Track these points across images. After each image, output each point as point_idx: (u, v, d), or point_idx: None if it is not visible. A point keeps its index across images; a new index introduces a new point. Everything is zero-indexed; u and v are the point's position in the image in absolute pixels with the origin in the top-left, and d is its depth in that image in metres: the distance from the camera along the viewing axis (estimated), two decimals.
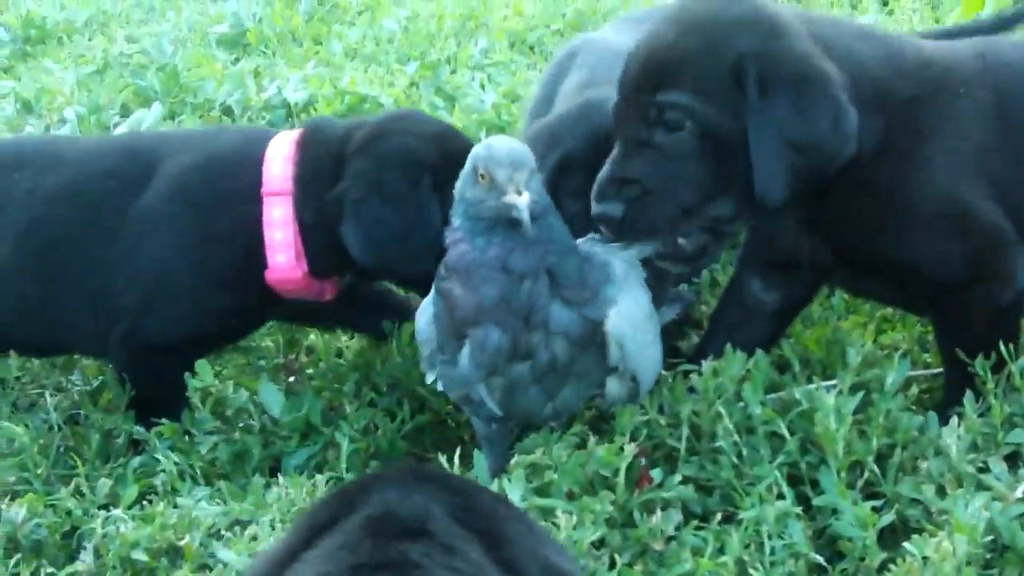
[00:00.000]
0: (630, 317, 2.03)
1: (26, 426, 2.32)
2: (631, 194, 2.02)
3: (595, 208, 2.04)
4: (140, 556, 1.93)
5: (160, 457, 2.23)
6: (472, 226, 1.97)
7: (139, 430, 2.31)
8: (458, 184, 1.99)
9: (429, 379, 2.11)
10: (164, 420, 2.29)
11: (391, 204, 2.26)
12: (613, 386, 2.08)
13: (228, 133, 2.63)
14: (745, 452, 2.07)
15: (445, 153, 2.27)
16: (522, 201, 1.89)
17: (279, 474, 2.21)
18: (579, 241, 2.08)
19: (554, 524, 1.90)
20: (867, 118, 2.02)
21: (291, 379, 2.45)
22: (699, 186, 2.02)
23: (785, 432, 2.09)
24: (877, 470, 2.07)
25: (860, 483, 2.06)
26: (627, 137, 2.04)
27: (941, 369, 2.33)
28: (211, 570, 1.92)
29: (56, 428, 2.35)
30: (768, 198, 1.99)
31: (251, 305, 2.38)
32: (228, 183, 2.36)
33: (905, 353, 2.41)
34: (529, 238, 1.93)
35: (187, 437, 2.28)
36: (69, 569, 1.94)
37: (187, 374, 2.27)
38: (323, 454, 2.28)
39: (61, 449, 2.37)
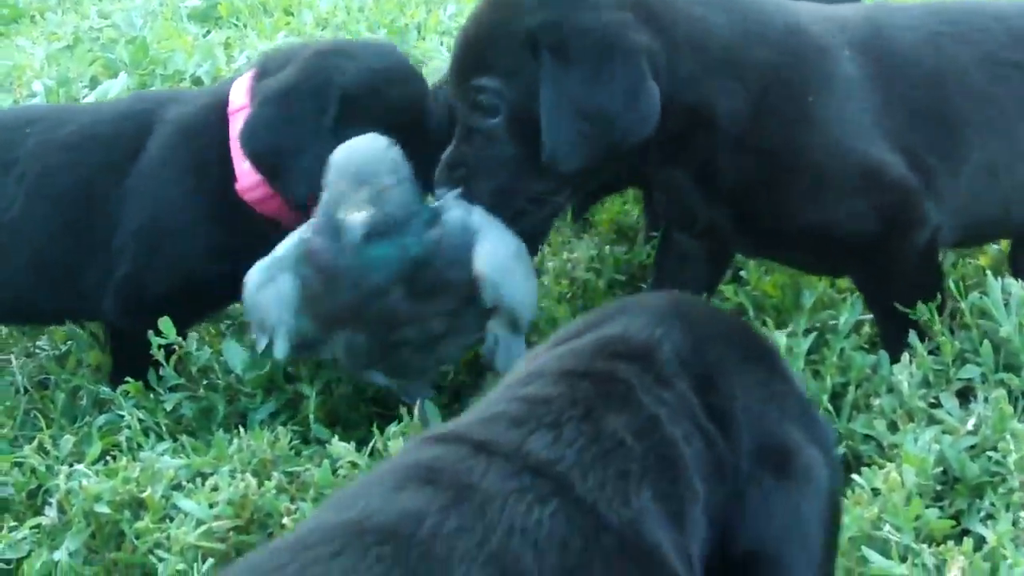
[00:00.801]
0: (496, 257, 2.01)
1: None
2: (459, 176, 2.06)
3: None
4: (103, 509, 1.95)
5: (125, 414, 2.25)
6: (325, 222, 1.97)
7: (104, 389, 2.34)
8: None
9: (280, 353, 2.09)
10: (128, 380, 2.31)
11: (286, 116, 2.26)
12: (496, 327, 2.07)
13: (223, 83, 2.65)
14: None
15: (375, 93, 2.28)
16: (354, 220, 1.90)
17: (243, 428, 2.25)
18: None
19: None
20: (722, 88, 2.02)
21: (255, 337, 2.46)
22: (518, 165, 2.03)
23: None
24: (831, 408, 2.10)
25: None
26: (460, 121, 2.07)
27: None
28: (172, 520, 1.95)
29: (23, 391, 2.36)
30: (558, 163, 1.97)
31: (240, 244, 2.32)
32: (205, 115, 2.40)
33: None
34: (369, 258, 1.93)
35: (152, 395, 2.30)
36: (32, 522, 1.96)
37: (150, 332, 2.27)
38: (288, 410, 2.30)
39: (29, 412, 2.39)
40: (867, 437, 2.05)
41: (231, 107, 2.35)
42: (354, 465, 1.97)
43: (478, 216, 2.02)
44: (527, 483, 1.26)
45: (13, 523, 2.00)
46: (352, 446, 1.99)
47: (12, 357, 2.40)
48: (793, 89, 2.06)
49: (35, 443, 2.14)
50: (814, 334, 2.17)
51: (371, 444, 2.03)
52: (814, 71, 2.08)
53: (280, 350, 2.06)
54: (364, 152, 1.95)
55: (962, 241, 2.32)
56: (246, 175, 2.31)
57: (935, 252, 2.20)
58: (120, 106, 2.57)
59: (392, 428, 2.02)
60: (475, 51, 2.03)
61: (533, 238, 2.21)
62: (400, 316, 1.97)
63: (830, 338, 2.17)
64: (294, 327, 2.03)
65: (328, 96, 2.25)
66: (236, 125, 2.32)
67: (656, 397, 1.38)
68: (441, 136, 2.21)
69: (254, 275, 2.06)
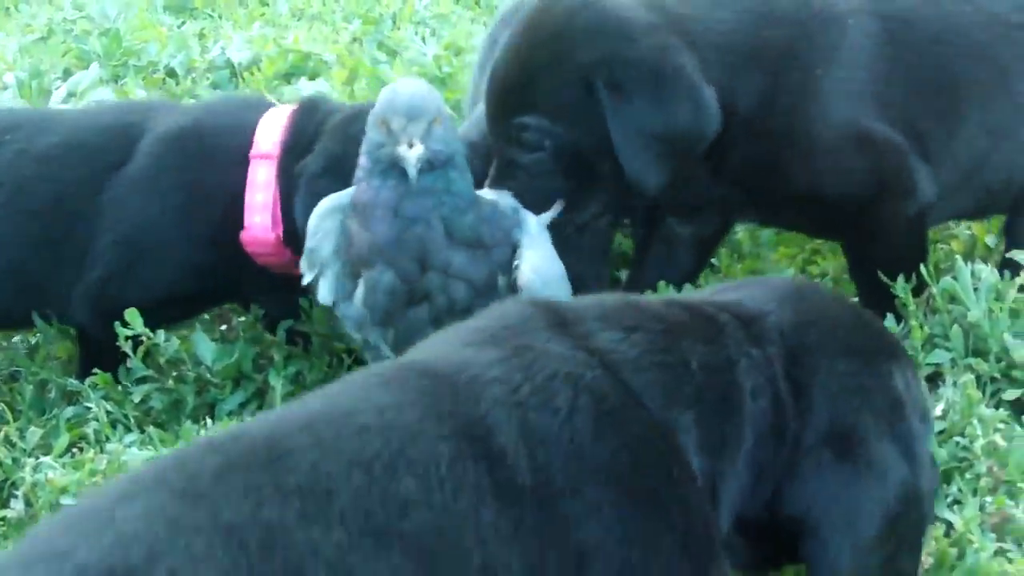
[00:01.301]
0: (544, 274, 2.03)
1: None
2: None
3: None
4: (69, 502, 1.93)
5: (92, 406, 2.24)
6: (372, 167, 2.00)
7: (72, 381, 2.32)
8: (367, 122, 2.02)
9: (323, 297, 2.10)
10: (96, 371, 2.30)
11: (342, 183, 2.18)
12: None
13: (228, 99, 2.62)
14: None
15: None
16: (412, 154, 1.93)
17: (211, 420, 2.24)
18: (491, 192, 2.10)
19: None
20: (742, 79, 2.09)
21: (223, 328, 2.45)
22: (563, 196, 2.10)
23: None
24: None
25: None
26: (498, 156, 2.12)
27: None
28: None
29: None
30: (644, 186, 2.07)
31: (225, 269, 2.35)
32: (218, 143, 2.36)
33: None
34: (417, 188, 1.95)
35: (120, 388, 2.29)
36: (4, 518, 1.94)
37: (117, 324, 2.25)
38: (256, 400, 2.29)
39: None
40: None
41: (255, 150, 2.33)
42: None
43: (533, 221, 2.06)
44: (578, 357, 1.39)
45: None
46: None
47: None
48: (802, 63, 2.11)
49: (1, 435, 2.12)
50: None
51: None
52: (820, 43, 2.12)
53: (324, 292, 2.08)
54: (412, 91, 1.99)
55: (965, 211, 2.37)
56: (257, 229, 2.30)
57: (923, 225, 2.23)
58: (105, 117, 2.52)
59: None
60: (518, 90, 2.09)
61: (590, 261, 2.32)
62: (432, 255, 1.98)
63: None
64: (339, 271, 2.06)
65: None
66: (256, 171, 2.31)
67: (741, 348, 1.49)
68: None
69: (320, 208, 2.09)
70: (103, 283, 2.35)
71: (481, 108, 2.27)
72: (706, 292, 1.66)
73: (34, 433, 2.15)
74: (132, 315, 2.24)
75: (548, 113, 2.06)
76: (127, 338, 2.25)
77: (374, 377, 1.41)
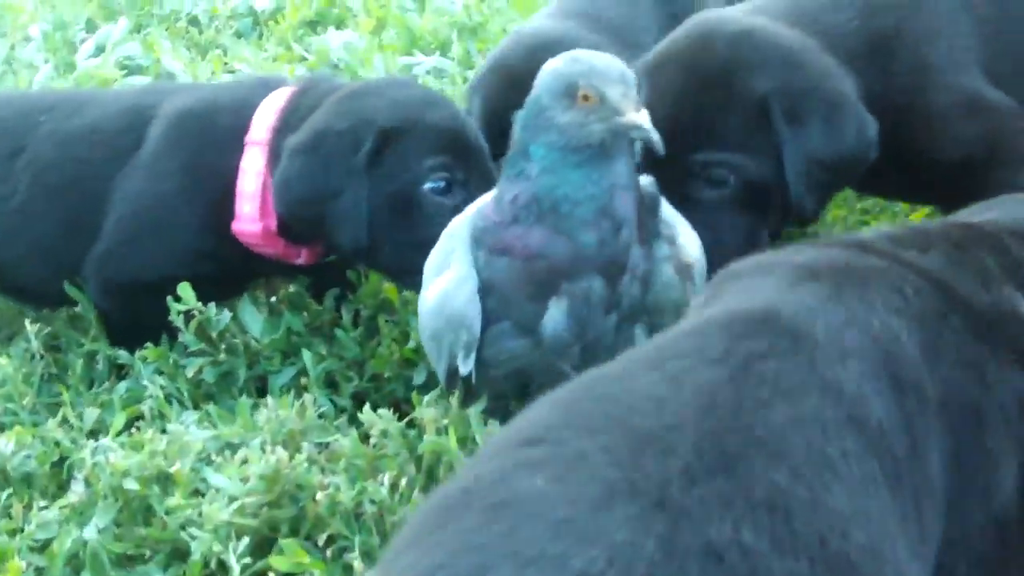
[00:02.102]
0: (700, 248, 1.89)
1: (8, 356, 2.31)
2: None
3: None
4: (132, 485, 1.91)
5: (146, 382, 2.22)
6: (562, 158, 1.70)
7: (122, 354, 2.30)
8: (530, 112, 1.74)
9: (464, 370, 1.82)
10: (148, 344, 2.28)
11: (318, 162, 2.16)
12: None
13: (240, 81, 2.56)
14: None
15: (409, 122, 2.18)
16: (645, 119, 1.68)
17: (267, 395, 2.22)
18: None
19: None
20: (868, 76, 2.08)
21: (272, 299, 2.42)
22: (742, 231, 2.07)
23: None
24: None
25: None
26: (672, 192, 1.98)
27: None
28: (203, 495, 1.92)
29: (39, 357, 2.32)
30: (807, 212, 2.08)
31: (223, 255, 2.31)
32: (218, 126, 2.32)
33: None
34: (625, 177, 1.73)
35: (171, 360, 2.26)
36: (62, 502, 1.92)
37: (169, 298, 2.23)
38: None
39: (45, 377, 2.35)
40: None
41: (248, 135, 2.27)
42: (385, 434, 1.93)
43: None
44: (899, 272, 1.37)
45: (42, 502, 1.96)
46: (387, 413, 1.94)
47: (27, 321, 2.34)
48: (911, 44, 2.10)
49: (58, 416, 2.09)
50: None
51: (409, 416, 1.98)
52: (926, 21, 2.11)
53: (469, 366, 1.83)
54: (605, 56, 1.73)
55: None
56: (247, 219, 2.25)
57: None
58: (127, 99, 2.50)
59: (427, 397, 1.97)
60: (695, 127, 2.03)
61: None
62: (627, 254, 1.76)
63: None
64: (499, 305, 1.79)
65: (362, 133, 2.16)
66: (249, 157, 2.25)
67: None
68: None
69: (431, 289, 1.85)
70: (104, 258, 2.35)
71: None
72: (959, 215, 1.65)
73: (91, 413, 2.12)
74: (184, 289, 2.22)
75: (734, 147, 2.03)
76: (179, 312, 2.22)
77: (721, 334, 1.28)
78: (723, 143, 2.03)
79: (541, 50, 2.32)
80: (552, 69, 1.73)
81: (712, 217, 2.03)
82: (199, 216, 2.31)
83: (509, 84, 2.31)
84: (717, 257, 1.89)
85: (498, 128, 2.12)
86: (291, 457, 1.89)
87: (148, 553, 1.90)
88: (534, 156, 1.73)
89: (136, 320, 2.37)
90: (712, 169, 2.03)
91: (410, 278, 2.21)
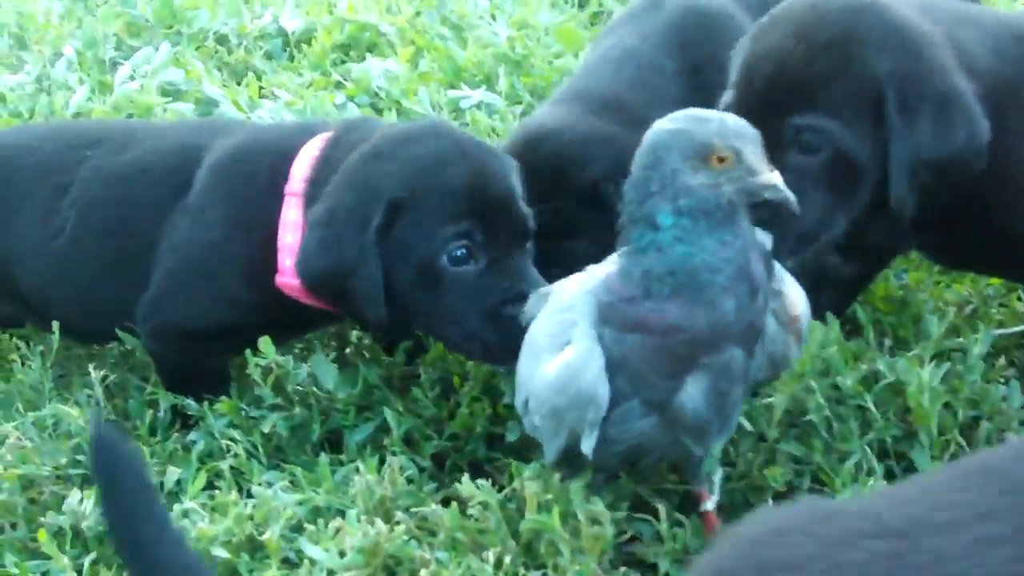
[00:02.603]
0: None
1: (77, 405, 2.24)
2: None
3: None
4: (220, 552, 1.84)
5: (216, 434, 2.15)
6: (693, 224, 1.63)
7: (191, 404, 2.22)
8: (651, 177, 1.65)
9: (587, 448, 1.72)
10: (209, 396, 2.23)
11: (333, 236, 2.08)
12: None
13: (282, 124, 2.44)
14: (836, 427, 2.02)
15: (420, 190, 2.08)
16: (779, 179, 1.64)
17: (342, 451, 2.16)
18: None
19: (660, 519, 1.85)
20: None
21: (346, 351, 2.35)
22: (826, 204, 1.95)
23: (871, 406, 2.04)
24: (964, 442, 2.03)
25: (947, 456, 2.02)
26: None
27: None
28: (295, 565, 1.85)
29: (101, 404, 2.24)
30: (903, 213, 1.95)
31: (273, 305, 2.22)
32: (260, 174, 2.23)
33: (974, 310, 2.36)
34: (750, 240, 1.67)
35: (243, 413, 2.19)
36: None
37: (249, 351, 2.17)
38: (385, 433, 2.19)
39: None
40: None
41: (288, 185, 2.19)
42: (484, 505, 1.87)
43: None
44: None
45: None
46: (487, 484, 1.88)
47: (91, 367, 2.26)
48: (1021, 101, 2.01)
49: None
50: (944, 364, 2.09)
51: (509, 487, 1.92)
52: None
53: (592, 444, 1.73)
54: (727, 114, 1.70)
55: None
56: (290, 273, 2.16)
57: None
58: (174, 138, 2.40)
59: (528, 470, 1.91)
60: (800, 89, 1.92)
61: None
62: (763, 317, 1.71)
63: (960, 368, 2.09)
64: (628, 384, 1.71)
65: (371, 208, 2.06)
66: (287, 209, 2.17)
67: None
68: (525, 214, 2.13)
69: (551, 364, 1.75)
70: (154, 304, 2.27)
71: None
72: None
73: (172, 472, 2.04)
74: (266, 344, 2.15)
75: (834, 115, 1.91)
76: (256, 365, 2.15)
77: None
78: (825, 109, 1.91)
79: (536, 141, 2.33)
80: (674, 130, 1.65)
81: (796, 184, 1.84)
82: (244, 267, 2.23)
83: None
84: (791, 229, 1.90)
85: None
86: (390, 529, 1.82)
87: None
88: (663, 224, 1.64)
89: (189, 367, 2.31)
90: (807, 133, 1.92)
91: (450, 347, 2.20)
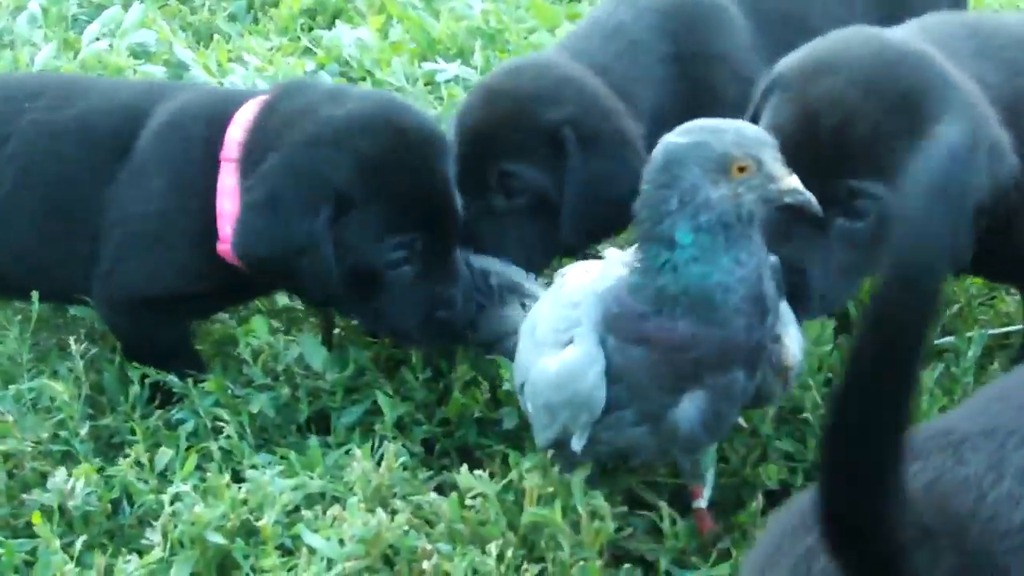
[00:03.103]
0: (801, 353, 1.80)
1: (56, 377, 2.18)
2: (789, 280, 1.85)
3: None
4: (215, 538, 1.81)
5: (202, 413, 2.12)
6: (712, 241, 1.59)
7: (174, 381, 2.17)
8: (669, 194, 1.60)
9: (577, 446, 1.75)
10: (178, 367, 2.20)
11: (277, 223, 2.05)
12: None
13: (220, 89, 2.37)
14: None
15: (370, 191, 2.05)
16: (798, 182, 1.60)
17: (329, 433, 2.14)
18: None
19: (660, 516, 1.84)
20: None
21: (336, 331, 2.32)
22: (859, 270, 1.93)
23: None
24: None
25: None
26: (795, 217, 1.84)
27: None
28: (290, 553, 1.83)
29: (84, 380, 2.19)
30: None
31: (222, 272, 2.18)
32: (197, 140, 2.18)
33: (960, 310, 2.38)
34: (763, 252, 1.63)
35: (230, 392, 2.16)
36: (148, 559, 1.80)
37: (241, 330, 2.13)
38: (377, 416, 2.16)
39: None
40: None
41: (224, 151, 2.14)
42: (483, 497, 1.85)
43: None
44: None
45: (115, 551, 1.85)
46: (484, 476, 1.86)
47: (72, 340, 2.21)
48: None
49: (132, 457, 1.97)
50: (938, 365, 2.10)
51: (507, 477, 1.90)
52: None
53: (582, 443, 1.75)
54: (745, 123, 1.63)
55: None
56: (229, 239, 2.12)
57: None
58: (117, 99, 2.32)
59: (527, 462, 1.89)
60: (862, 153, 1.85)
61: None
62: (770, 337, 1.68)
63: (954, 371, 2.11)
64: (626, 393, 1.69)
65: (320, 196, 2.03)
66: (225, 176, 2.13)
67: None
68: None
69: (552, 360, 1.74)
70: (106, 277, 2.23)
71: None
72: None
73: (164, 455, 2.00)
74: (259, 323, 2.12)
75: (892, 182, 1.83)
76: (248, 344, 2.12)
77: None
78: (887, 175, 1.82)
79: (520, 73, 2.32)
80: (694, 143, 1.59)
81: (832, 245, 1.89)
82: (189, 234, 2.19)
83: (490, 101, 2.27)
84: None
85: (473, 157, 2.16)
86: (390, 518, 1.80)
87: None
88: (682, 243, 1.60)
89: (149, 337, 2.27)
90: (860, 199, 1.86)
91: (388, 337, 2.21)
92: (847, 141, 1.85)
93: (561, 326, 1.76)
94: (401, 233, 2.06)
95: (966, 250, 1.85)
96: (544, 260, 2.29)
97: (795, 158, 1.76)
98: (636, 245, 1.67)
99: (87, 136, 2.25)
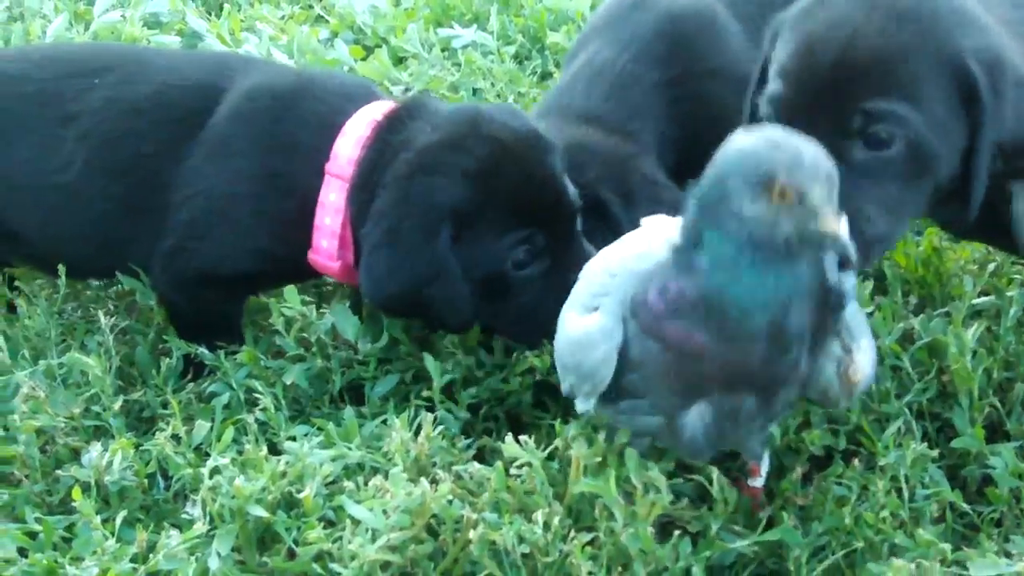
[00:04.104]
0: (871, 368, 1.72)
1: (85, 351, 2.16)
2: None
3: None
4: (257, 511, 1.78)
5: (235, 385, 2.09)
6: (737, 254, 1.49)
7: (206, 353, 2.15)
8: (710, 193, 1.51)
9: (580, 409, 1.75)
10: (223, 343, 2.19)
11: (402, 256, 2.04)
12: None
13: (323, 77, 2.34)
14: (873, 388, 2.00)
15: (481, 199, 2.04)
16: (845, 231, 1.47)
17: (363, 403, 2.12)
18: None
19: (687, 479, 1.82)
20: None
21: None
22: (897, 207, 1.78)
23: (908, 367, 2.03)
24: (999, 404, 2.03)
25: (982, 418, 2.01)
26: (829, 151, 1.65)
27: None
28: (332, 524, 1.80)
29: (114, 353, 2.16)
30: (974, 209, 1.78)
31: (294, 258, 2.18)
32: (300, 142, 2.16)
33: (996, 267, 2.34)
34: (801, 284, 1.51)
35: (262, 364, 2.13)
36: (189, 533, 1.77)
37: (273, 301, 2.13)
38: (414, 384, 2.14)
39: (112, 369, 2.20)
40: None
41: (332, 163, 2.11)
42: (529, 467, 1.82)
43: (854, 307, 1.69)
44: None
45: (152, 525, 1.83)
46: (531, 444, 1.83)
47: (101, 313, 2.18)
48: None
49: (170, 430, 1.95)
50: (981, 325, 2.07)
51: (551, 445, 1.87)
52: None
53: (585, 407, 1.75)
54: (810, 145, 1.47)
55: None
56: (323, 253, 2.13)
57: None
58: (194, 73, 2.29)
59: (570, 430, 1.86)
60: (872, 71, 1.71)
61: None
62: (791, 373, 1.59)
63: (996, 329, 2.08)
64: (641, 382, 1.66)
65: (435, 222, 2.02)
66: (328, 190, 2.11)
67: None
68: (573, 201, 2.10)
69: (575, 321, 1.73)
70: (173, 253, 2.21)
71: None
72: None
73: (201, 428, 1.97)
74: (291, 293, 2.09)
75: (912, 100, 1.70)
76: (281, 315, 2.10)
77: None
78: (902, 92, 1.70)
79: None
80: (745, 149, 1.49)
81: (865, 183, 1.74)
82: (273, 225, 2.17)
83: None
84: (860, 236, 1.67)
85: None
86: (434, 488, 1.77)
87: None
88: (707, 245, 1.51)
89: (206, 315, 2.26)
90: (876, 124, 1.71)
91: (523, 345, 2.16)
92: (853, 59, 1.72)
93: (596, 291, 1.72)
94: (516, 231, 2.04)
95: (979, 195, 1.77)
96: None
97: (802, 92, 1.73)
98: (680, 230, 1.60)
99: (166, 114, 2.22)
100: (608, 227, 2.15)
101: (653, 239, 1.68)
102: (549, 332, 1.89)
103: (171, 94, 2.23)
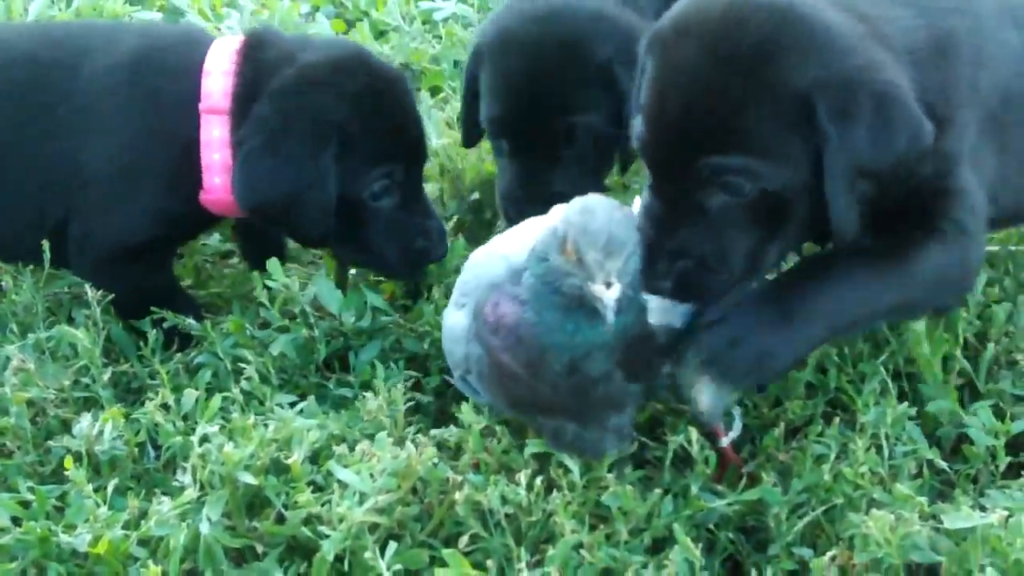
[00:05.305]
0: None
1: (72, 324, 2.18)
2: (683, 268, 1.75)
3: (646, 284, 1.70)
4: (246, 478, 1.81)
5: (221, 355, 2.13)
6: (544, 296, 1.63)
7: (193, 324, 2.18)
8: (540, 238, 1.64)
9: (456, 383, 1.91)
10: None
11: (283, 163, 2.09)
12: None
13: (163, 31, 2.42)
14: (847, 350, 2.04)
15: (366, 123, 2.12)
16: (610, 296, 1.55)
17: (348, 370, 2.16)
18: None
19: (688, 442, 1.85)
20: (926, 82, 1.79)
21: (352, 271, 2.33)
22: (757, 247, 1.76)
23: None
24: (970, 366, 2.06)
25: (953, 377, 2.05)
26: (669, 198, 1.75)
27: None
28: (320, 489, 1.84)
29: (101, 325, 2.19)
30: (845, 233, 1.74)
31: (194, 214, 2.23)
32: (167, 91, 2.19)
33: None
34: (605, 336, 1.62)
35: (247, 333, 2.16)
36: (180, 499, 1.80)
37: (256, 273, 2.16)
38: (396, 353, 2.18)
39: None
40: (1019, 398, 2.02)
41: (204, 103, 2.15)
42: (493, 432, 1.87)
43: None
44: None
45: (143, 491, 1.86)
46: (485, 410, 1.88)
47: (88, 287, 2.20)
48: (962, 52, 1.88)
49: (159, 399, 1.98)
50: None
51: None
52: (970, 32, 1.90)
53: (458, 383, 1.89)
54: (609, 217, 1.58)
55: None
56: (219, 190, 2.17)
57: None
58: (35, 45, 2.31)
59: None
60: (714, 123, 1.69)
61: None
62: (616, 399, 1.73)
63: None
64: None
65: (325, 134, 2.09)
66: (209, 128, 2.15)
67: None
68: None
69: (454, 315, 1.84)
70: (83, 239, 2.23)
71: None
72: None
73: (189, 396, 2.00)
74: (273, 266, 2.13)
75: (758, 151, 1.68)
76: (265, 287, 2.13)
77: None
78: (746, 144, 1.69)
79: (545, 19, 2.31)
80: (568, 208, 1.61)
81: (716, 234, 1.73)
82: (166, 183, 2.20)
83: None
84: (717, 270, 1.75)
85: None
86: (419, 451, 1.81)
87: (261, 548, 1.82)
88: (527, 279, 1.67)
89: (138, 290, 2.27)
90: (724, 176, 1.70)
91: (370, 269, 2.30)
92: (698, 112, 1.70)
93: (463, 289, 1.85)
94: (384, 165, 2.14)
95: (846, 226, 1.74)
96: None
97: (657, 139, 1.75)
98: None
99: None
100: (613, 99, 2.25)
101: (525, 240, 1.76)
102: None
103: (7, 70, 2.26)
